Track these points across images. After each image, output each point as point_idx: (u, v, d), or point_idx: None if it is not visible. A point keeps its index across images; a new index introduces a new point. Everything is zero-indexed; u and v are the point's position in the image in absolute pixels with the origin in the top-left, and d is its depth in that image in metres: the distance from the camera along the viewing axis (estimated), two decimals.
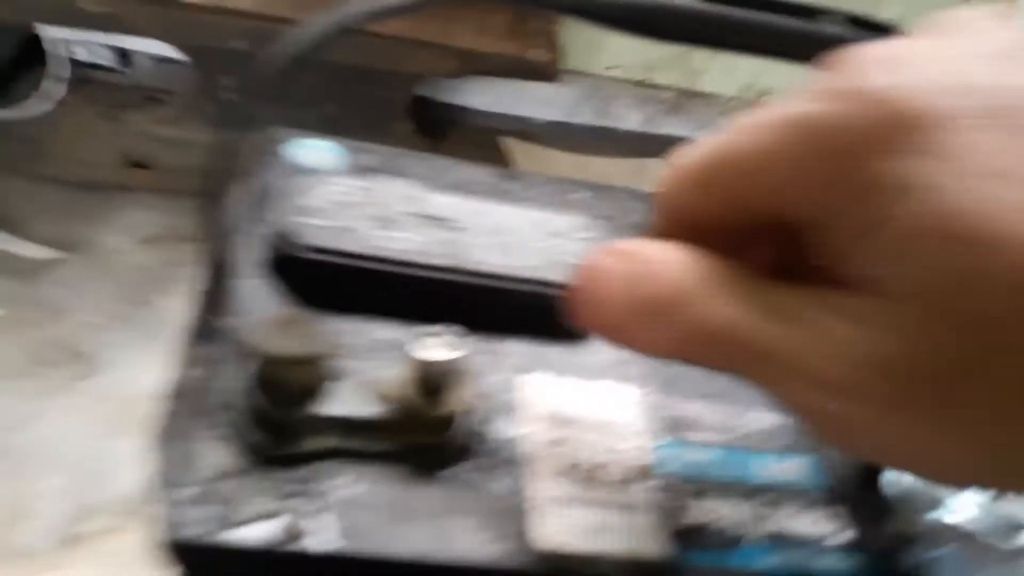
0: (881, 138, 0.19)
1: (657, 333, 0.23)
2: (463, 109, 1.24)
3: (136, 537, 0.66)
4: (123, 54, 1.27)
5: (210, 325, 0.39)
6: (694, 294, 0.22)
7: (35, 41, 1.18)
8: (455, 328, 0.34)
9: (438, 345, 0.33)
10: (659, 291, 0.22)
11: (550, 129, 1.30)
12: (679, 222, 0.24)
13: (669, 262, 0.22)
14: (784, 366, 0.20)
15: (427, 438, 0.34)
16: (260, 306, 0.40)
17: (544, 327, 0.42)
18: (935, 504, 0.32)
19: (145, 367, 0.81)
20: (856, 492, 0.38)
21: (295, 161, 0.50)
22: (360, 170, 0.49)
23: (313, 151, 0.51)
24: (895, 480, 0.33)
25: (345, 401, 0.35)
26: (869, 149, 0.19)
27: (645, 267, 0.23)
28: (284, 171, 0.48)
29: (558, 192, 0.52)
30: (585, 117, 1.35)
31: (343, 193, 0.44)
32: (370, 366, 0.37)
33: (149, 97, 1.20)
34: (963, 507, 0.32)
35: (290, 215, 0.41)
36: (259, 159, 0.49)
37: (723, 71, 1.36)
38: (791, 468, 0.38)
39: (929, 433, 0.19)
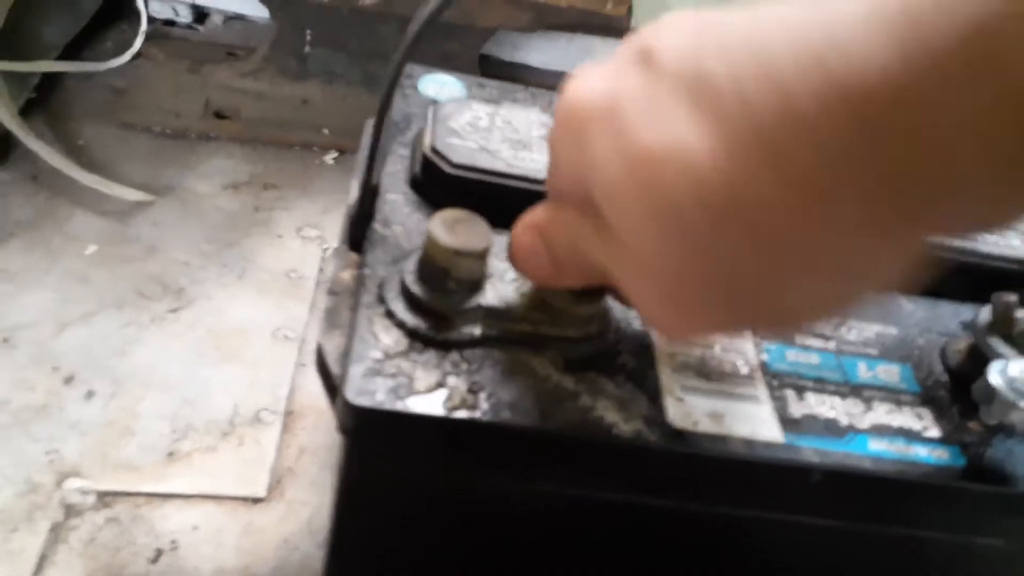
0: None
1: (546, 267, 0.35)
2: (527, 67, 1.26)
3: (229, 456, 0.70)
4: (198, 11, 1.31)
5: (360, 235, 0.42)
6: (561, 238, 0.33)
7: None
8: None
9: None
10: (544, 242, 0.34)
11: None
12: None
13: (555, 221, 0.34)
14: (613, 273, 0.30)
15: (574, 331, 0.37)
16: (408, 217, 0.43)
17: None
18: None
19: (233, 302, 0.85)
20: (944, 395, 0.40)
21: (427, 94, 0.53)
22: (484, 100, 0.52)
23: (441, 85, 0.54)
24: (993, 377, 0.35)
25: (499, 294, 0.38)
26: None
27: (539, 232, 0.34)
28: (420, 102, 0.51)
29: None
30: None
31: (478, 119, 0.47)
32: (510, 270, 0.40)
33: (229, 52, 1.24)
34: None
35: (435, 137, 0.44)
36: (397, 92, 0.52)
37: None
38: (887, 372, 0.41)
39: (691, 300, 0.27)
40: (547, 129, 0.46)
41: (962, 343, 0.42)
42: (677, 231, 0.24)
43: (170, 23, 1.28)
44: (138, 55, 1.18)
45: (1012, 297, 0.39)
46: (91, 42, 1.19)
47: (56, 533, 0.62)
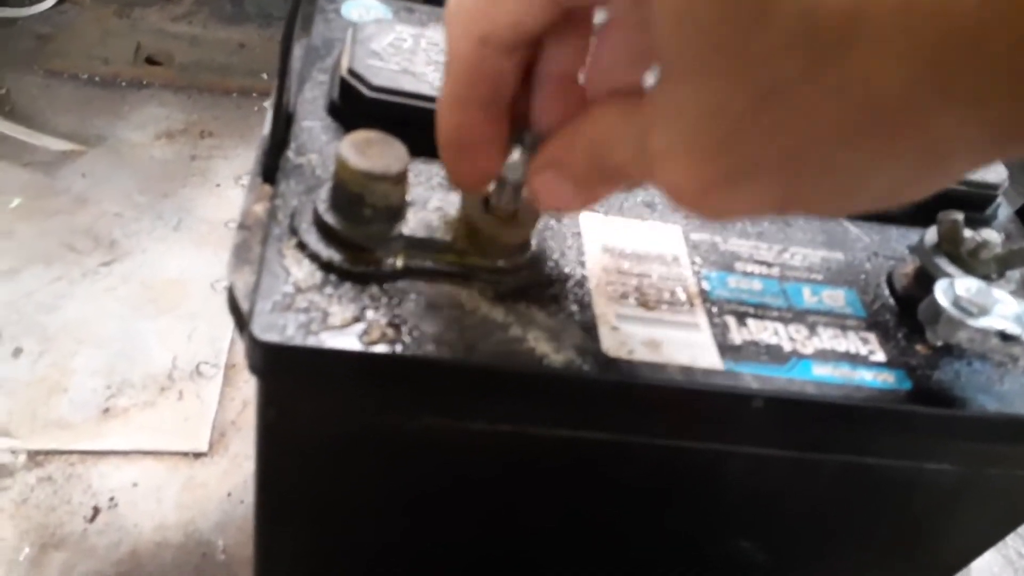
0: None
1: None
2: None
3: (168, 411, 0.67)
4: None
5: (273, 164, 0.39)
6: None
7: None
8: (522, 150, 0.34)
9: (513, 158, 0.33)
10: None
11: None
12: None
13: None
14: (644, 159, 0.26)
15: (503, 260, 0.35)
16: (324, 145, 0.40)
17: None
18: (977, 314, 0.33)
19: (169, 254, 0.81)
20: (891, 318, 0.39)
21: (350, 17, 0.49)
22: (409, 23, 0.49)
23: (365, 8, 0.51)
24: (939, 296, 0.33)
25: (420, 223, 0.35)
26: None
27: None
28: (341, 25, 0.48)
29: None
30: None
31: (401, 40, 0.43)
32: (438, 196, 0.37)
33: None
34: (1001, 316, 0.32)
35: (353, 59, 0.41)
36: (317, 16, 0.49)
37: None
38: (832, 297, 0.39)
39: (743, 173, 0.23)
40: None
41: (909, 266, 0.40)
42: (761, 67, 0.21)
43: None
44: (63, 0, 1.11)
45: (958, 215, 0.38)
46: None
47: None
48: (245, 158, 0.96)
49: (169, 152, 0.94)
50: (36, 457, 0.62)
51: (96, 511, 0.60)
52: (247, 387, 0.70)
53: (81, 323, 0.73)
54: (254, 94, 1.05)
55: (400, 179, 0.33)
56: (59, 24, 1.09)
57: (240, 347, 0.74)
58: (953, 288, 0.34)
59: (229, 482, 0.63)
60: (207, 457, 0.64)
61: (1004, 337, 0.32)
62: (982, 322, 0.32)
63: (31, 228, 0.81)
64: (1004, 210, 0.48)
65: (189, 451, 0.64)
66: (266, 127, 0.41)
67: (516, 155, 0.32)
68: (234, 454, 0.65)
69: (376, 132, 0.33)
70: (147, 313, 0.75)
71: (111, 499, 0.61)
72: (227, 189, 0.91)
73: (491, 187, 0.34)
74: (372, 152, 0.33)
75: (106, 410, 0.66)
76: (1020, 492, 0.43)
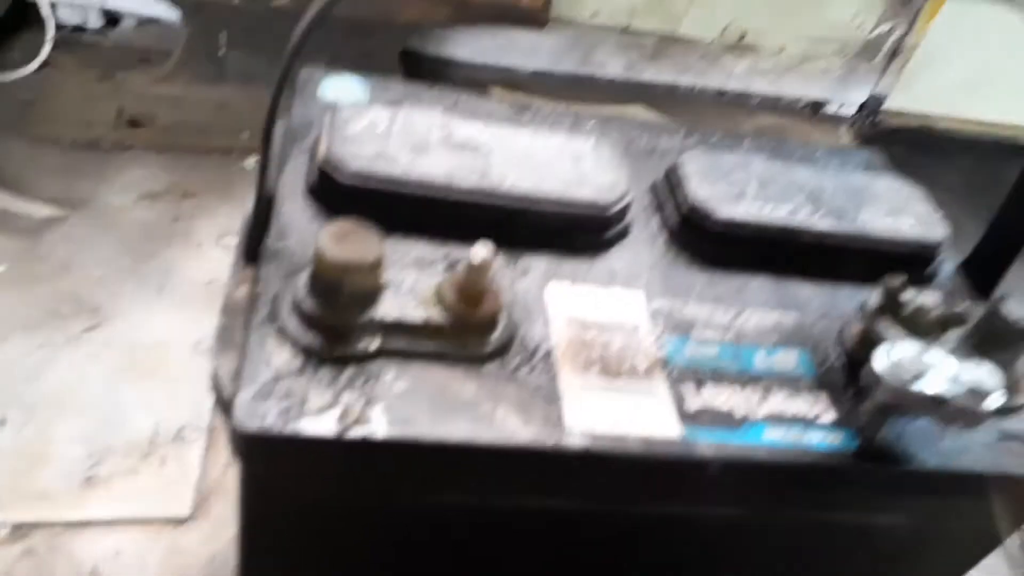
0: None
1: None
2: (450, 61, 1.25)
3: (150, 477, 0.68)
4: (109, 16, 1.26)
5: (255, 247, 0.41)
6: None
7: (21, 5, 1.17)
8: (488, 244, 0.36)
9: (483, 250, 0.35)
10: None
11: (535, 78, 1.31)
12: None
13: None
14: None
15: (470, 338, 0.37)
16: (304, 228, 0.42)
17: (565, 241, 0.45)
18: (913, 379, 0.35)
19: (152, 317, 0.82)
20: (840, 378, 0.41)
21: (328, 97, 0.52)
22: (387, 103, 0.51)
23: (343, 87, 0.53)
24: (877, 364, 0.36)
25: (394, 306, 0.37)
26: None
27: None
28: (319, 106, 0.50)
29: (569, 122, 0.55)
30: (569, 65, 1.36)
31: (377, 123, 0.46)
32: (412, 277, 0.39)
33: (142, 58, 1.20)
34: (937, 379, 0.35)
35: (330, 145, 0.43)
36: (296, 96, 0.51)
37: (703, 15, 1.36)
38: (784, 359, 0.41)
39: None
40: (445, 130, 0.46)
41: (856, 327, 0.42)
42: None
43: (79, 29, 1.23)
44: (46, 64, 1.13)
45: (898, 280, 0.40)
46: None
47: None
48: (226, 217, 0.97)
49: (152, 214, 0.96)
50: (19, 529, 0.62)
51: None
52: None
53: (64, 390, 0.74)
54: (235, 152, 1.07)
55: (375, 267, 0.35)
56: (42, 89, 1.11)
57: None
58: (889, 355, 0.36)
59: (212, 546, 0.64)
60: (190, 521, 0.65)
61: (937, 401, 0.34)
62: (917, 387, 0.35)
63: (15, 295, 0.82)
64: (947, 266, 0.51)
65: (172, 517, 0.65)
66: (248, 209, 0.43)
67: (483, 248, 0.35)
68: (217, 517, 0.66)
69: (352, 223, 0.36)
70: (130, 378, 0.76)
71: (93, 569, 0.61)
72: (209, 249, 0.92)
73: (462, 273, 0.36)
74: (348, 242, 0.35)
75: (88, 479, 0.67)
76: (971, 539, 0.45)
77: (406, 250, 0.41)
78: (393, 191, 0.42)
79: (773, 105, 1.46)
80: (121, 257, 0.89)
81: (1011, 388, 0.38)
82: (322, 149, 0.43)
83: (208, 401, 0.74)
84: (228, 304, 0.40)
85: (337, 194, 0.42)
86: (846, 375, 0.41)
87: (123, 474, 0.68)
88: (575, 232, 0.45)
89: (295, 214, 0.42)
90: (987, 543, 0.46)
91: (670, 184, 0.48)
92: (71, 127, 1.06)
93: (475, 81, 1.23)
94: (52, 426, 0.70)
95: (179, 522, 0.64)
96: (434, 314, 0.37)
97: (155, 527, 0.64)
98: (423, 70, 1.15)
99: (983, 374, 0.35)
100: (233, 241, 0.95)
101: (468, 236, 0.42)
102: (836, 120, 1.51)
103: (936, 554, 0.46)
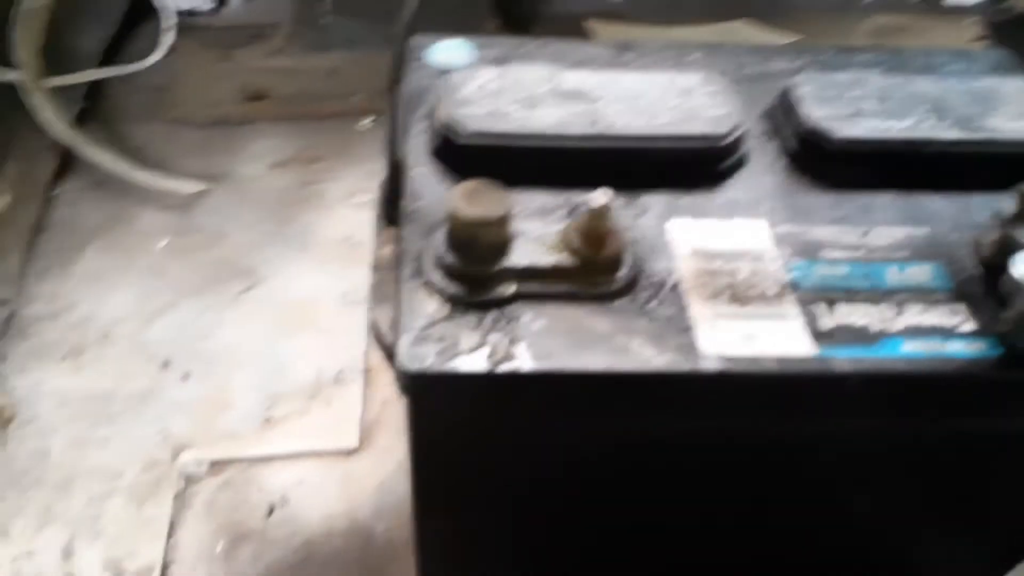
0: None
1: None
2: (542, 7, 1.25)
3: (319, 416, 0.77)
4: None
5: (393, 210, 0.46)
6: None
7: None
8: (606, 190, 0.39)
9: (602, 195, 0.39)
10: None
11: (631, 5, 1.30)
12: None
13: None
14: None
15: (599, 277, 0.40)
16: (434, 189, 0.46)
17: (682, 177, 0.47)
18: None
19: (300, 275, 0.91)
20: (978, 289, 0.42)
21: (438, 62, 0.55)
22: (493, 61, 0.54)
23: (450, 51, 0.57)
24: (1016, 271, 0.36)
25: (525, 254, 0.41)
26: None
27: None
28: (431, 72, 0.54)
29: (673, 56, 0.56)
30: None
31: (487, 83, 0.49)
32: (538, 226, 0.43)
33: (254, 34, 1.27)
34: None
35: (448, 108, 0.47)
36: (408, 65, 0.55)
37: None
38: (917, 274, 0.42)
39: None
40: (553, 82, 0.48)
41: (993, 234, 0.42)
42: None
43: (192, 13, 1.32)
44: (171, 50, 1.22)
45: None
46: (126, 45, 1.24)
47: (180, 500, 0.70)
48: (352, 177, 1.04)
49: (284, 180, 1.04)
50: (216, 466, 0.73)
51: (271, 508, 0.70)
52: (385, 387, 0.79)
53: (233, 345, 0.83)
54: (348, 115, 1.13)
55: (504, 221, 0.39)
56: (170, 74, 1.20)
57: (374, 352, 0.82)
58: None
59: (380, 473, 0.72)
60: (358, 453, 0.74)
61: None
62: None
63: (179, 265, 0.92)
64: None
65: (342, 449, 0.73)
66: (381, 175, 0.48)
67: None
68: (381, 448, 0.74)
69: (478, 182, 0.40)
70: (287, 331, 0.84)
71: (282, 497, 0.71)
72: (340, 208, 1.00)
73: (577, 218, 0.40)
74: (478, 201, 0.39)
75: (267, 420, 0.76)
76: None
77: (529, 201, 0.45)
78: (511, 146, 0.45)
79: (886, 1, 1.37)
80: (264, 223, 0.98)
81: None
82: (440, 113, 0.47)
83: (360, 346, 0.82)
84: (377, 262, 0.45)
85: (459, 154, 0.46)
86: (984, 285, 0.42)
87: (296, 415, 0.77)
88: (690, 167, 0.47)
89: (424, 177, 0.47)
90: None
91: (784, 108, 0.49)
92: (201, 107, 1.15)
93: (571, 16, 1.23)
94: (229, 377, 0.80)
95: (349, 453, 0.73)
96: (562, 258, 0.41)
97: (329, 458, 0.73)
98: (518, 11, 1.16)
99: None
100: (361, 199, 1.02)
101: (585, 182, 0.45)
102: (960, 11, 1.40)
103: None
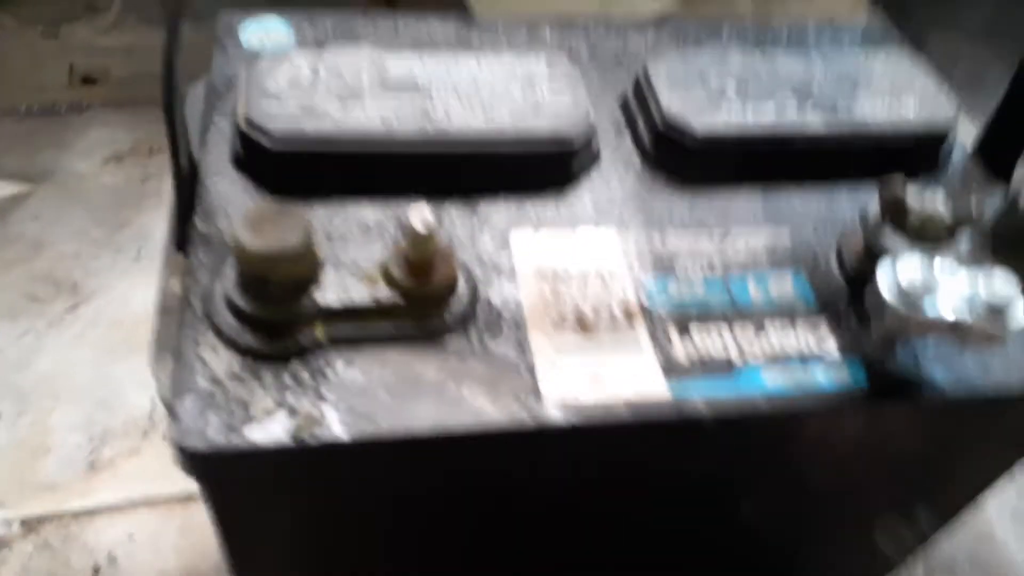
0: None
1: None
2: None
3: (154, 456, 0.67)
4: None
5: (185, 232, 0.38)
6: None
7: None
8: (433, 200, 0.32)
9: (420, 219, 0.31)
10: None
11: None
12: None
13: None
14: None
15: (427, 312, 0.33)
16: (235, 205, 0.38)
17: (527, 181, 0.40)
18: (922, 300, 0.31)
19: (133, 287, 0.80)
20: (842, 300, 0.37)
21: (249, 45, 0.46)
22: (314, 42, 0.46)
23: (264, 31, 0.48)
24: (881, 286, 0.32)
25: (336, 290, 0.33)
26: None
27: None
28: (239, 57, 0.45)
29: (523, 34, 0.49)
30: None
31: (300, 71, 0.41)
32: (352, 250, 0.35)
33: (87, 6, 1.12)
34: (950, 297, 0.31)
35: (250, 104, 0.38)
36: (217, 47, 0.46)
37: None
38: (778, 286, 0.37)
39: None
40: (378, 69, 0.41)
41: (856, 238, 0.38)
42: None
43: None
44: None
45: (899, 181, 0.35)
46: None
47: None
48: None
49: (120, 177, 0.92)
50: (30, 523, 0.62)
51: (96, 570, 0.60)
52: None
53: (55, 376, 0.72)
54: None
55: (302, 253, 0.31)
56: None
57: None
58: (894, 272, 0.32)
59: None
60: (198, 498, 0.64)
61: (952, 325, 0.30)
62: (927, 309, 0.31)
63: None
64: (958, 152, 0.45)
65: (181, 494, 0.64)
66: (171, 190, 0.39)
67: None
68: None
69: (269, 204, 0.31)
70: (120, 355, 0.74)
71: (109, 555, 0.61)
72: None
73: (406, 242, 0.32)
74: (268, 229, 0.31)
75: (92, 464, 0.66)
76: (995, 458, 0.42)
77: (347, 215, 0.37)
78: (325, 151, 0.37)
79: None
80: (94, 228, 0.86)
81: None
82: (241, 111, 0.38)
83: None
84: (163, 300, 0.36)
85: (264, 161, 0.37)
86: (848, 295, 0.37)
87: (126, 455, 0.67)
88: (536, 170, 0.40)
89: (222, 188, 0.38)
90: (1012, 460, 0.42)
91: (638, 98, 0.43)
92: (23, 93, 1.00)
93: None
94: (48, 414, 0.69)
95: (187, 499, 0.63)
96: (382, 292, 0.33)
97: (164, 506, 0.63)
98: None
99: (1002, 285, 0.31)
100: None
101: (416, 189, 0.38)
102: None
103: (958, 476, 0.43)
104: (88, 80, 1.03)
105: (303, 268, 0.32)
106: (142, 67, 1.05)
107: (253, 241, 0.30)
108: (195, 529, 0.62)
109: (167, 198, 0.92)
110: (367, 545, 0.39)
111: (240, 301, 0.32)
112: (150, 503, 0.63)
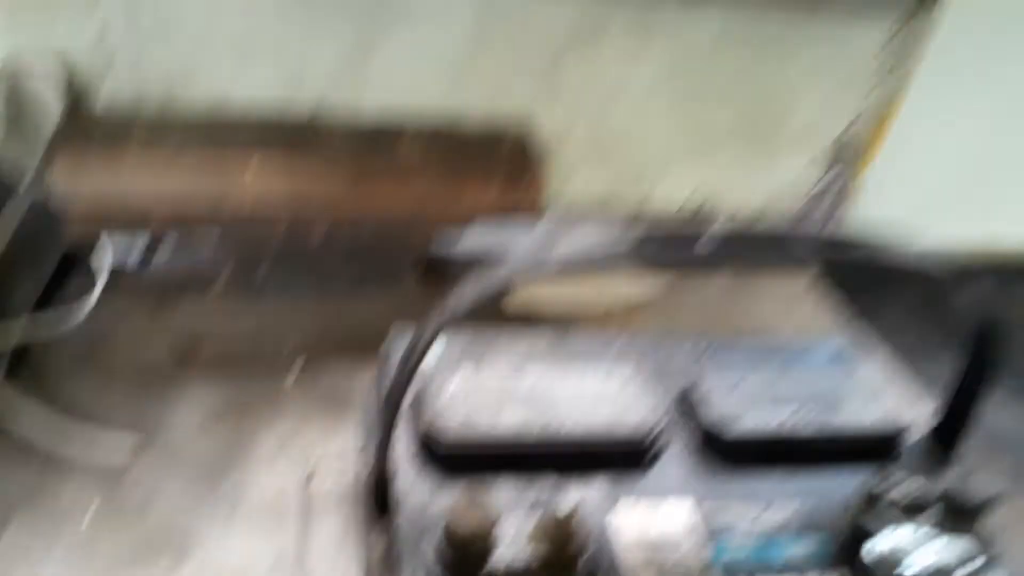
0: None
1: None
2: (473, 258, 1.39)
3: None
4: (148, 247, 1.40)
5: (380, 512, 0.52)
6: None
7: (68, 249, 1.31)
8: (566, 494, 0.48)
9: (567, 506, 0.47)
10: None
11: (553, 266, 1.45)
12: None
13: None
14: None
15: (565, 573, 0.47)
16: (419, 492, 0.53)
17: (616, 465, 0.57)
18: (902, 562, 0.45)
19: (227, 544, 0.90)
20: (853, 556, 0.52)
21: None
22: (460, 355, 0.64)
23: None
24: (872, 548, 0.47)
25: (506, 556, 0.48)
26: None
27: None
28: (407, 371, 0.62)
29: (599, 348, 0.68)
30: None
31: (460, 384, 0.58)
32: (514, 522, 0.51)
33: (184, 288, 1.32)
34: (916, 566, 0.45)
35: (429, 415, 0.55)
36: (384, 363, 0.63)
37: (669, 188, 1.52)
38: (803, 547, 0.52)
39: None
40: (515, 382, 0.59)
41: (848, 516, 0.54)
42: None
43: (122, 266, 1.36)
44: (99, 304, 1.26)
45: (875, 483, 0.52)
46: (52, 300, 1.26)
47: None
48: (283, 427, 1.08)
49: (216, 435, 1.06)
50: None
51: None
52: None
53: None
54: (278, 367, 1.19)
55: (491, 533, 0.46)
56: (99, 329, 1.23)
57: None
58: (874, 549, 0.47)
59: None
60: None
61: None
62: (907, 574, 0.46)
63: (107, 538, 0.90)
64: (919, 440, 0.63)
65: None
66: (364, 463, 0.54)
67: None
68: None
69: (467, 496, 0.47)
70: None
71: None
72: (273, 461, 1.02)
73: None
74: (470, 516, 0.46)
75: None
76: None
77: (497, 495, 0.53)
78: (483, 454, 0.54)
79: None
80: (195, 482, 0.98)
81: (985, 551, 0.49)
82: (421, 423, 0.55)
83: None
84: (368, 567, 0.50)
85: (441, 459, 0.54)
86: (856, 552, 0.52)
87: None
88: (624, 457, 0.57)
89: (408, 479, 0.54)
90: None
91: (687, 406, 0.62)
92: (131, 362, 1.17)
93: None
94: None
95: None
96: (538, 556, 0.48)
97: None
98: (448, 272, 1.28)
99: (951, 551, 0.46)
100: (289, 455, 1.05)
101: (540, 470, 0.54)
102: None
103: None
104: (187, 352, 1.21)
105: (490, 544, 0.46)
106: (232, 340, 1.24)
107: (461, 526, 0.45)
108: None
109: (255, 451, 1.05)
110: None
111: (442, 571, 0.46)
112: None
